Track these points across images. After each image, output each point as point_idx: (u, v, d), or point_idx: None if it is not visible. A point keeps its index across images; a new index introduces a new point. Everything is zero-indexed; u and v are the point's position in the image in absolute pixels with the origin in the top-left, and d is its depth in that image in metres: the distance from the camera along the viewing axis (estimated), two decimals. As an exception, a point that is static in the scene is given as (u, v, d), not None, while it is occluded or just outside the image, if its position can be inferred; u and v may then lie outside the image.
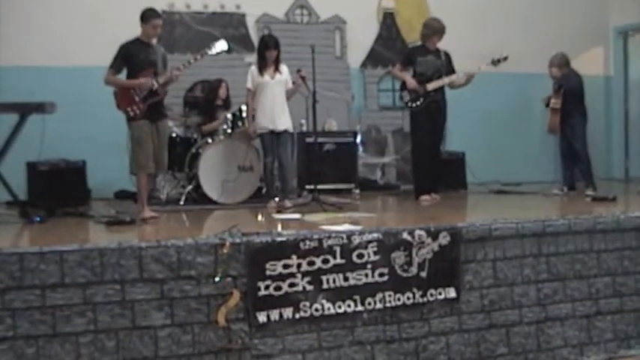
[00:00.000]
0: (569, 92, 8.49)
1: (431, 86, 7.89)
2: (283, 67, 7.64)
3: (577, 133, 8.55)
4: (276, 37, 7.69)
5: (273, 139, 7.56)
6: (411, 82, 7.93)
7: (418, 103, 7.93)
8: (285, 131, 7.62)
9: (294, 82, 7.69)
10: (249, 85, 7.60)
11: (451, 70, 8.02)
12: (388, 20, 10.43)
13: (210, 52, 6.93)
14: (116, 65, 6.63)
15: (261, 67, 7.55)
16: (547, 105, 8.75)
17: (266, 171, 7.69)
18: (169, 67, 6.85)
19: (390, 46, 10.35)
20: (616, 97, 11.52)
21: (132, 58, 6.60)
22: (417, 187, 8.17)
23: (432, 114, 7.95)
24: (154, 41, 6.78)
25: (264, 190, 8.25)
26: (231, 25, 9.68)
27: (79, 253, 4.51)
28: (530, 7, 10.72)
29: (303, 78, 7.59)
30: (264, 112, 7.53)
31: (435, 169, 8.09)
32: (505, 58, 7.96)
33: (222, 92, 8.65)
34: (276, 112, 7.52)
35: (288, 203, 7.40)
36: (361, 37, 10.22)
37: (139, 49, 6.64)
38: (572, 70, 8.69)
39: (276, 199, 7.54)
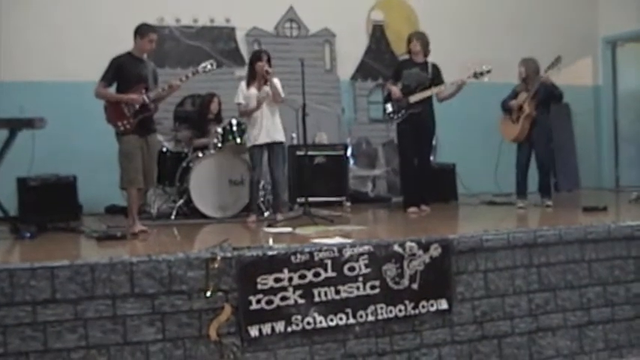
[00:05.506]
0: (546, 99, 8.26)
1: (413, 98, 7.93)
2: (273, 80, 7.43)
3: (548, 142, 8.43)
4: (267, 52, 7.67)
5: (262, 152, 7.53)
6: (396, 93, 8.03)
7: (400, 114, 8.04)
8: (276, 143, 7.56)
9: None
10: (240, 99, 7.54)
11: (440, 82, 8.04)
12: (377, 32, 10.46)
13: (200, 70, 6.96)
14: (107, 78, 6.58)
15: (249, 81, 7.54)
16: (519, 109, 8.28)
17: (252, 185, 7.65)
18: (160, 81, 6.85)
19: (379, 59, 10.39)
20: (605, 107, 11.57)
21: (124, 72, 6.57)
22: (404, 199, 8.28)
23: (415, 126, 8.02)
24: (145, 56, 6.77)
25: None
26: (220, 39, 9.68)
27: (69, 268, 4.49)
28: (519, 18, 10.78)
29: (267, 73, 7.40)
30: (252, 125, 7.52)
31: (424, 181, 8.13)
32: (488, 71, 7.91)
33: (213, 107, 8.62)
34: (265, 125, 7.46)
35: (279, 217, 7.38)
36: (351, 50, 10.24)
37: (131, 64, 6.61)
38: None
39: (255, 215, 7.57)
